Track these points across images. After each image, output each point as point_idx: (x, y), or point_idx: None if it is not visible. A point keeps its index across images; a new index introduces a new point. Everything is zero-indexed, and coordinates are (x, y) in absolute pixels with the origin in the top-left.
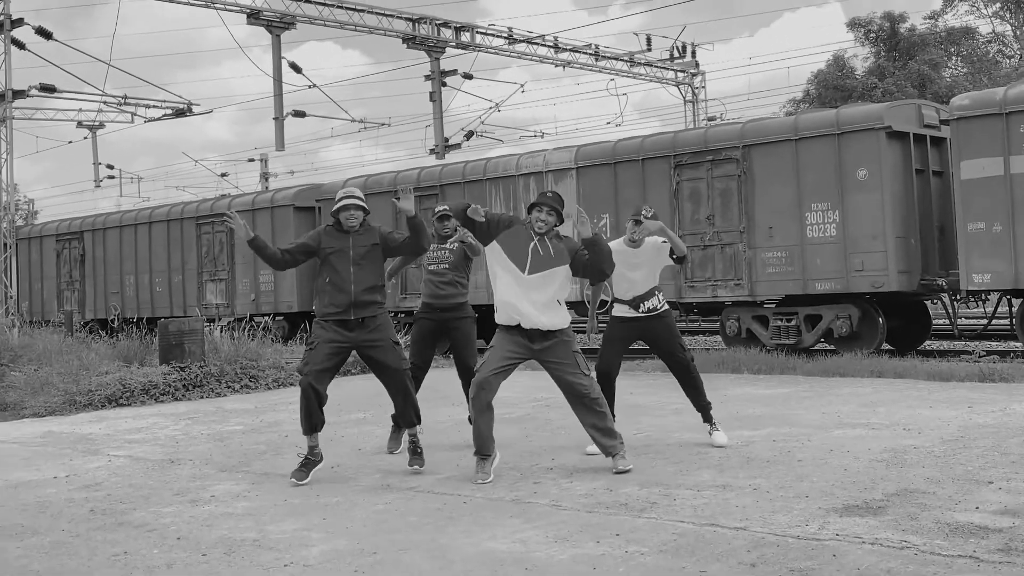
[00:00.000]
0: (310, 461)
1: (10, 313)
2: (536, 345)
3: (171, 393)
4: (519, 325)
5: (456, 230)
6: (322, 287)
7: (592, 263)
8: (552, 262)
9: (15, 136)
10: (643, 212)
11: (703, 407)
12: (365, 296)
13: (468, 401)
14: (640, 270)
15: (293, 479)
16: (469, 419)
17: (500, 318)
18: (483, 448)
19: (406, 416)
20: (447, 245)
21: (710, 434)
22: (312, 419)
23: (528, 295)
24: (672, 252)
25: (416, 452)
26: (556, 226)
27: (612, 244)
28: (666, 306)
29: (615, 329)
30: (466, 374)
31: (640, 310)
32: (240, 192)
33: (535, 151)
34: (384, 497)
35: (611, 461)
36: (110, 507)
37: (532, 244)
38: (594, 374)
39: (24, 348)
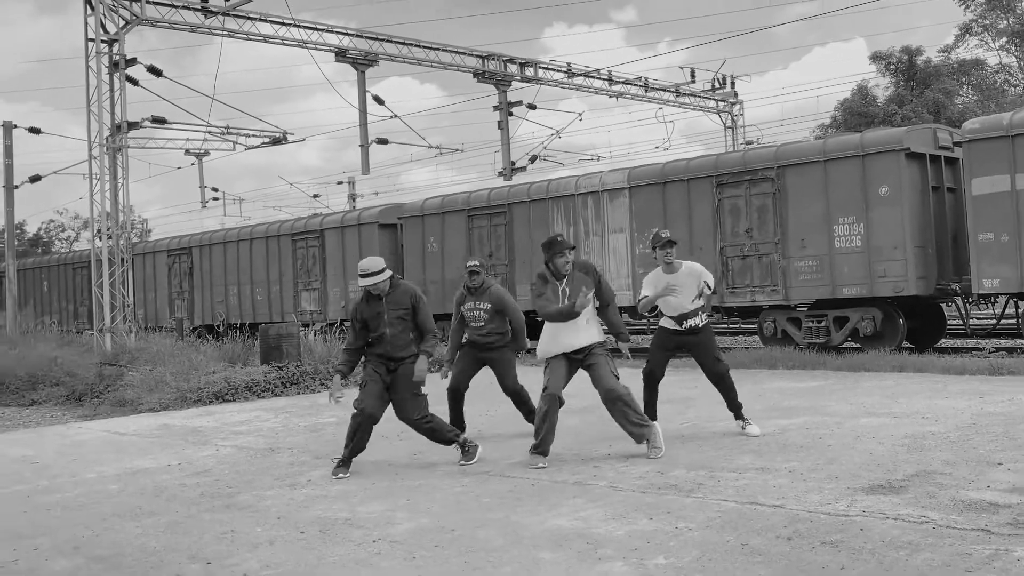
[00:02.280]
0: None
1: (127, 320)
2: (580, 357)
3: (271, 390)
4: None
5: (484, 283)
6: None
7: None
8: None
9: (130, 163)
10: (662, 233)
11: (736, 407)
12: (400, 352)
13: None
14: (680, 294)
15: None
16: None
17: (552, 348)
18: (547, 449)
19: (439, 443)
20: (482, 305)
21: (743, 428)
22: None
23: (569, 325)
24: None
25: (464, 450)
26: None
27: (651, 275)
28: (706, 322)
29: (661, 338)
30: (511, 394)
31: (683, 326)
32: (331, 211)
33: (592, 173)
34: (461, 481)
35: (644, 447)
36: (218, 491)
37: (560, 288)
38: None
39: (140, 351)
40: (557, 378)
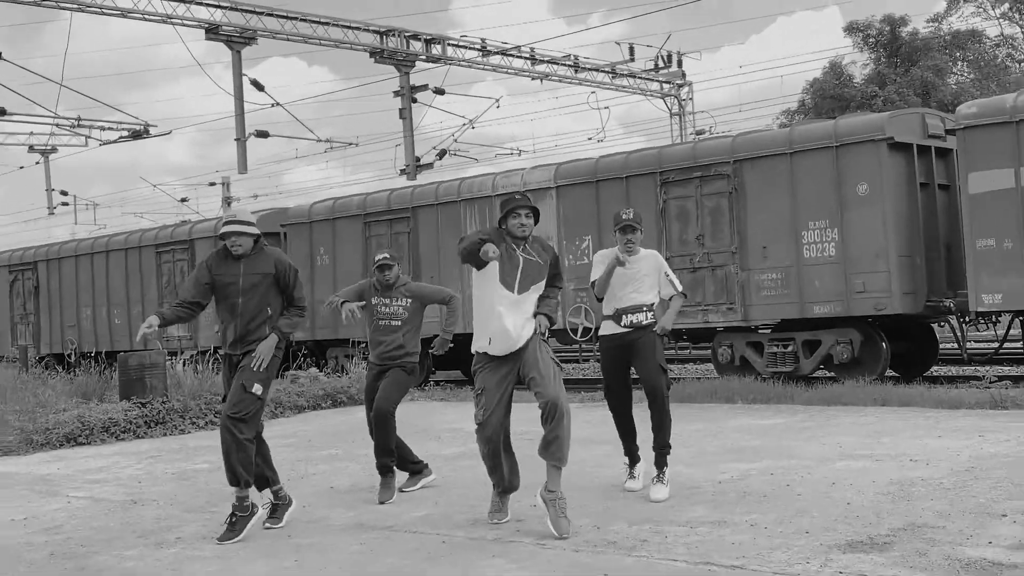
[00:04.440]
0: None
1: None
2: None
3: (132, 431)
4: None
5: (399, 277)
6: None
7: None
8: (539, 274)
9: None
10: (623, 213)
11: (662, 447)
12: (252, 335)
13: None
14: (638, 280)
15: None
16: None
17: (495, 349)
18: (502, 484)
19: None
20: (399, 302)
21: (652, 483)
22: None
23: (519, 312)
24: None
25: (275, 503)
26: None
27: (603, 252)
28: (652, 322)
29: (608, 354)
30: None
31: (623, 323)
32: (202, 218)
33: (512, 170)
34: (359, 537)
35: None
36: (70, 550)
37: (519, 260)
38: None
39: None
40: (492, 406)
